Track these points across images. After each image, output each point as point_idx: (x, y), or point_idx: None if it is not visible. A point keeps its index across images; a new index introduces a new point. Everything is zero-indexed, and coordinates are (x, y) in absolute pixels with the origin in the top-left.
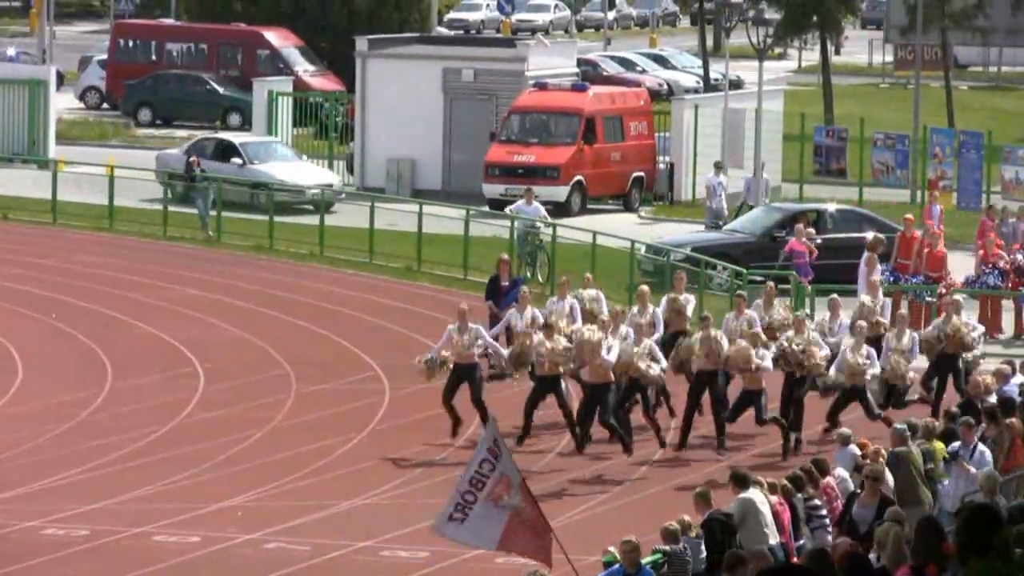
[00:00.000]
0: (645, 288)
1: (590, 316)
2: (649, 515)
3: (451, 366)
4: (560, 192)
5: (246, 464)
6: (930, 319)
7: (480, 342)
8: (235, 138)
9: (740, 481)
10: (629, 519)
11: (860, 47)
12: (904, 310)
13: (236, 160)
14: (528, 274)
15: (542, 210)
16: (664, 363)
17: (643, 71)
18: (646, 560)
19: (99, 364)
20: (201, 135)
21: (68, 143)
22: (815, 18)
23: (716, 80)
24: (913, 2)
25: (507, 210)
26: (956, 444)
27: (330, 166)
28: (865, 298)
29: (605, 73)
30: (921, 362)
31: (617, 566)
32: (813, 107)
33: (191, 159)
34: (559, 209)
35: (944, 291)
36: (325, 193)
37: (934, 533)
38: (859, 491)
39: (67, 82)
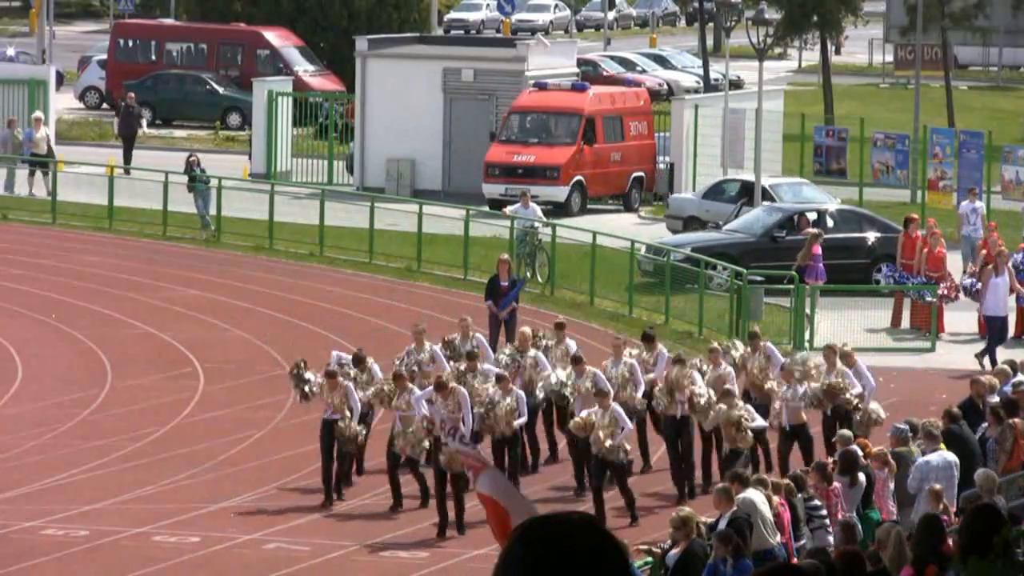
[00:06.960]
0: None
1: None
2: (644, 517)
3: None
4: (560, 192)
5: (246, 464)
6: (930, 319)
7: (350, 404)
8: (766, 180)
9: (740, 481)
10: (626, 519)
11: (860, 47)
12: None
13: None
14: (528, 274)
15: (539, 211)
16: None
17: (643, 71)
18: (640, 562)
19: (99, 364)
20: (715, 179)
21: (68, 143)
22: (815, 18)
23: (716, 80)
24: (913, 2)
25: (505, 211)
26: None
27: (330, 166)
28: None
29: (605, 73)
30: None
31: None
32: (813, 107)
33: (191, 158)
34: (559, 209)
35: (945, 291)
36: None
37: (935, 533)
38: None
39: (67, 82)
